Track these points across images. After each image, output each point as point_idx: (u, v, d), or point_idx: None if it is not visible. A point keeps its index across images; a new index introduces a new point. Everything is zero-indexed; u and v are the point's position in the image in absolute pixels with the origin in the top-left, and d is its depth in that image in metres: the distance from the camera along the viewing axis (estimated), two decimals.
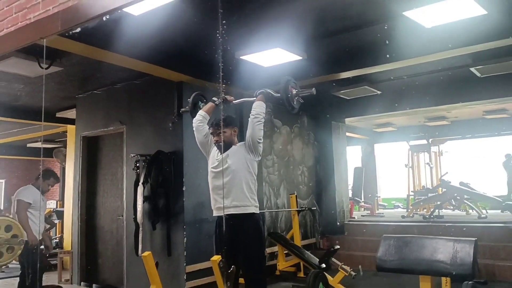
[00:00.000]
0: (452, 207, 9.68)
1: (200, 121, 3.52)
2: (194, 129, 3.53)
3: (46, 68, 4.94)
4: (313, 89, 3.27)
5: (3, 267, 7.44)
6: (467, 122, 11.05)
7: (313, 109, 8.16)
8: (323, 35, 4.63)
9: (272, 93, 3.38)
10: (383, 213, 10.68)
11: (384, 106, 7.73)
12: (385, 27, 4.31)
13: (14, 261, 4.54)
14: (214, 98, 3.55)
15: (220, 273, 2.73)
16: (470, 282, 3.53)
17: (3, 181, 12.39)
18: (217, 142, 3.40)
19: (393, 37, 4.54)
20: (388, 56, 4.77)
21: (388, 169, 13.99)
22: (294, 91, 3.30)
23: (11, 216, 4.14)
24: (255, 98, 3.39)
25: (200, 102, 3.68)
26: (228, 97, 3.54)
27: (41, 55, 4.09)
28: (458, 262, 2.74)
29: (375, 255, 3.13)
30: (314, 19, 4.18)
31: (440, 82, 6.76)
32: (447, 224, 7.04)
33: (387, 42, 4.61)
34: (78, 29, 2.56)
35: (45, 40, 2.78)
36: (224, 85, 3.31)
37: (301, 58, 4.90)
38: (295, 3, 3.78)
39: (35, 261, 3.99)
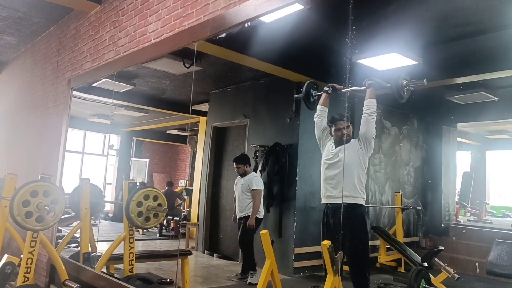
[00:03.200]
0: None
1: (319, 116, 3.56)
2: (315, 123, 3.59)
3: (188, 67, 5.34)
4: (424, 80, 3.13)
5: (145, 230, 8.27)
6: None
7: (424, 112, 7.71)
8: (441, 40, 4.36)
9: (382, 82, 3.30)
10: (491, 220, 9.76)
11: (500, 113, 7.02)
12: (509, 34, 3.92)
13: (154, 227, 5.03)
14: (326, 88, 3.56)
15: (329, 257, 2.74)
16: None
17: (147, 160, 13.64)
18: (342, 137, 3.39)
19: None
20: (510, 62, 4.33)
21: (499, 177, 12.67)
22: (405, 82, 3.20)
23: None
24: (364, 87, 3.32)
25: (312, 90, 3.70)
26: (337, 86, 3.52)
27: (186, 56, 4.46)
28: None
29: (480, 260, 2.89)
30: (434, 25, 3.96)
31: None
32: None
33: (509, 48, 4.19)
34: (223, 34, 2.74)
35: (196, 44, 3.03)
36: (348, 86, 3.30)
37: (416, 63, 4.67)
38: (419, 10, 3.62)
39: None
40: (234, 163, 5.13)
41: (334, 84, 3.53)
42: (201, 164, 7.49)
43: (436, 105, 7.28)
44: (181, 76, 6.08)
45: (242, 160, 5.11)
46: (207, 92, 7.15)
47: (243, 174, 5.06)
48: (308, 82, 3.74)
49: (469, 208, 10.29)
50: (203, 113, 8.05)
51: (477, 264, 6.59)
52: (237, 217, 5.06)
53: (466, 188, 10.26)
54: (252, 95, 6.29)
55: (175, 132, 12.35)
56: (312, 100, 3.72)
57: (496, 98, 6.50)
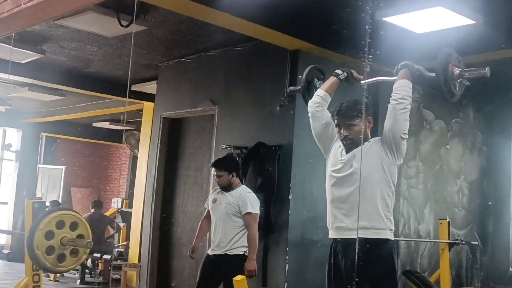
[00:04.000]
0: None
1: (318, 104, 3.51)
2: (309, 115, 3.54)
3: (126, 26, 5.30)
4: (487, 68, 3.11)
5: (59, 275, 8.18)
6: None
7: (485, 98, 7.78)
8: None
9: (423, 71, 3.32)
10: None
11: None
12: None
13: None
14: (338, 71, 3.53)
15: None
16: None
17: (63, 167, 13.50)
18: (345, 139, 3.40)
19: None
20: None
21: None
22: (457, 71, 3.19)
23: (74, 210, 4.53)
24: (395, 78, 3.34)
25: (316, 80, 3.70)
26: (355, 74, 3.53)
27: (123, 9, 4.43)
28: None
29: None
30: None
31: None
32: None
33: None
34: None
35: None
36: (368, 58, 3.30)
37: (474, 22, 4.72)
38: None
39: None
40: (213, 169, 5.04)
41: (351, 70, 3.53)
42: (145, 175, 7.46)
43: (502, 86, 7.33)
44: (116, 39, 6.02)
45: (227, 165, 4.99)
46: (155, 64, 7.11)
47: (226, 187, 4.94)
48: (310, 67, 3.72)
49: None
50: (149, 97, 8.05)
51: None
52: (210, 253, 4.94)
53: None
54: (223, 69, 6.27)
55: (106, 125, 12.21)
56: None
57: None
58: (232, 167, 4.93)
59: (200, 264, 5.01)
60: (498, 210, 7.99)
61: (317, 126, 3.53)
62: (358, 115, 3.37)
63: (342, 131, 3.40)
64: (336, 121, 3.44)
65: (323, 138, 3.54)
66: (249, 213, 4.78)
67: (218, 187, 4.92)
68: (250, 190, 5.00)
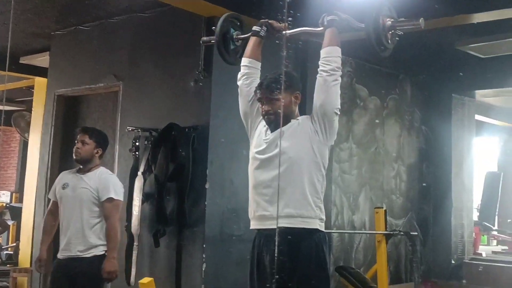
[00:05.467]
0: None
1: (245, 76, 3.56)
2: (238, 90, 3.59)
3: None
4: (421, 20, 3.21)
5: None
6: None
7: (423, 71, 8.01)
8: None
9: (351, 21, 3.37)
10: None
11: None
12: None
13: None
14: (255, 28, 3.57)
15: None
16: None
17: None
18: (267, 114, 3.41)
19: None
20: None
21: None
22: (389, 22, 3.26)
23: None
24: (321, 29, 3.38)
25: (232, 30, 3.72)
26: (275, 23, 3.53)
27: None
28: None
29: None
30: None
31: None
32: None
33: None
34: None
35: None
36: (288, 20, 3.31)
37: None
38: None
39: None
40: (78, 135, 4.60)
41: (270, 21, 3.53)
42: (37, 163, 7.25)
43: (441, 59, 7.50)
44: None
45: (98, 135, 4.64)
46: (47, 33, 6.89)
47: (85, 163, 4.61)
48: (225, 16, 3.71)
49: (495, 232, 10.80)
50: (41, 71, 7.81)
51: None
52: (60, 257, 4.66)
53: (491, 199, 10.74)
54: (128, 40, 6.18)
55: None
56: (233, 47, 3.73)
57: None
58: (102, 140, 4.62)
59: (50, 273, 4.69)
60: (437, 196, 8.23)
61: (243, 102, 3.57)
62: (283, 88, 3.35)
63: (264, 106, 3.41)
64: (258, 95, 3.45)
65: (248, 116, 3.56)
66: (111, 199, 4.49)
67: (75, 159, 4.57)
68: (111, 173, 4.84)
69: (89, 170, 4.56)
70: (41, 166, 6.92)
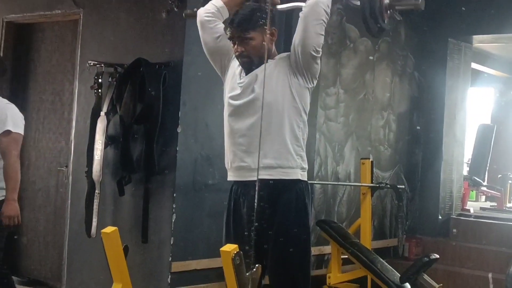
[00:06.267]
0: None
1: (211, 14, 3.60)
2: (198, 25, 3.65)
3: None
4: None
5: None
6: None
7: (417, 14, 7.86)
8: None
9: None
10: None
11: None
12: None
13: None
14: None
15: (234, 273, 2.79)
16: None
17: None
18: (240, 55, 3.45)
19: None
20: None
21: None
22: (387, 0, 3.38)
23: None
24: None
25: None
26: None
27: None
28: None
29: (497, 277, 3.10)
30: None
31: None
32: None
33: None
34: None
35: None
36: None
37: None
38: None
39: None
40: None
41: None
42: None
43: (438, 2, 7.47)
44: None
45: None
46: None
47: None
48: None
49: (484, 188, 11.00)
50: None
51: (490, 278, 7.04)
52: None
53: (482, 153, 10.90)
54: None
55: None
56: None
57: None
58: None
59: None
60: (428, 148, 8.30)
61: (208, 39, 3.62)
62: (256, 26, 3.42)
63: (236, 46, 3.45)
64: (229, 33, 3.48)
65: (217, 55, 3.64)
66: (8, 131, 4.43)
67: None
68: (9, 102, 4.71)
69: None
70: None
